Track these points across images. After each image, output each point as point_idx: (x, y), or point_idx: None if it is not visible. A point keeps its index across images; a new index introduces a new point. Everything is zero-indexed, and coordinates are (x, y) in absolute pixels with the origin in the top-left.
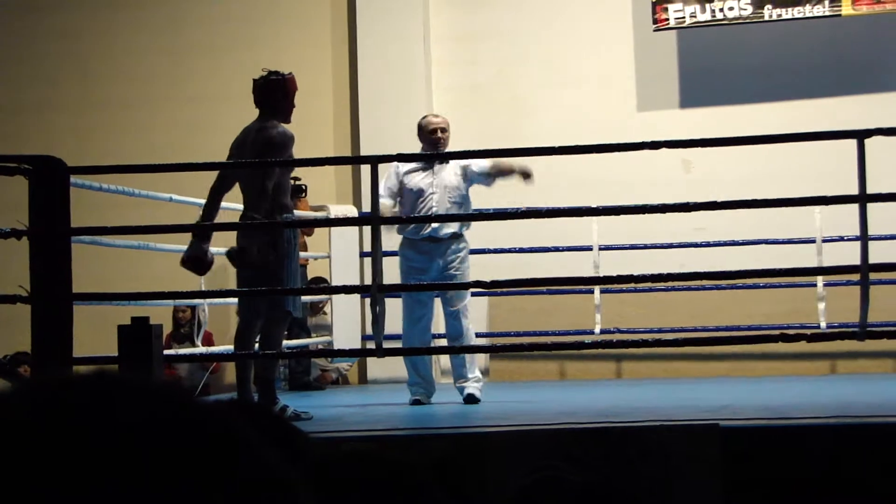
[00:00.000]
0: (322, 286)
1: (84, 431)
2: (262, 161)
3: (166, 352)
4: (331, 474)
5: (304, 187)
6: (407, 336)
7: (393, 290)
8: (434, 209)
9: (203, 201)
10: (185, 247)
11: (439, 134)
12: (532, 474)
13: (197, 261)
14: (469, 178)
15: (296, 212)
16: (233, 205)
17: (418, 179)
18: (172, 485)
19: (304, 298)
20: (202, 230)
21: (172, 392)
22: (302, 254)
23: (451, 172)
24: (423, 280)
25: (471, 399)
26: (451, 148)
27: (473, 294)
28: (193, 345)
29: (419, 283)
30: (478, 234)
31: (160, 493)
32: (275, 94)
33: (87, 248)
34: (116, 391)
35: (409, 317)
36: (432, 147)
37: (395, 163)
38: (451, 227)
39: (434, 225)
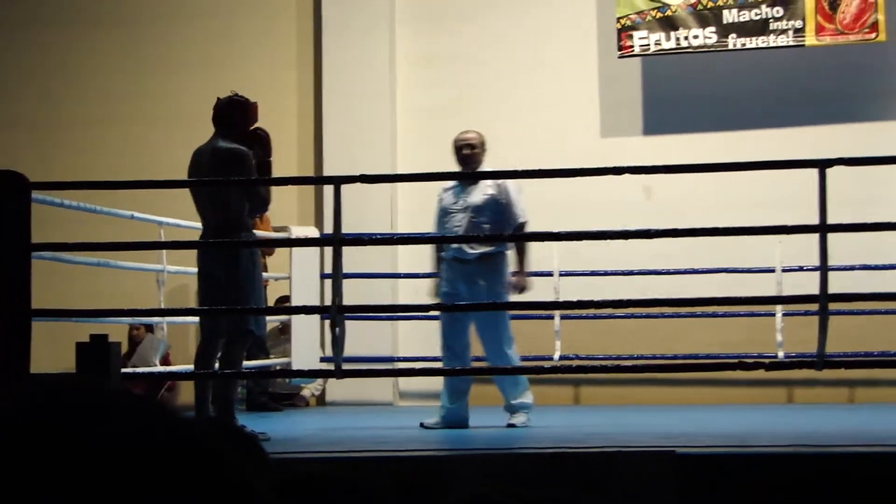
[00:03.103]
0: (283, 306)
1: (74, 440)
2: (226, 180)
3: (124, 370)
4: (288, 495)
5: None
6: (444, 358)
7: (353, 312)
8: (457, 229)
9: (164, 219)
10: (144, 265)
11: (464, 151)
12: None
13: None
14: (503, 204)
15: (257, 231)
16: (189, 223)
17: (448, 198)
18: (156, 495)
19: (273, 319)
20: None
21: (149, 403)
22: (263, 275)
23: (480, 192)
24: (455, 302)
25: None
26: (409, 168)
27: (433, 317)
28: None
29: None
30: None
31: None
32: (235, 115)
33: (48, 264)
34: (101, 401)
35: (444, 342)
36: (461, 164)
37: (440, 187)
38: (481, 248)
39: (457, 244)
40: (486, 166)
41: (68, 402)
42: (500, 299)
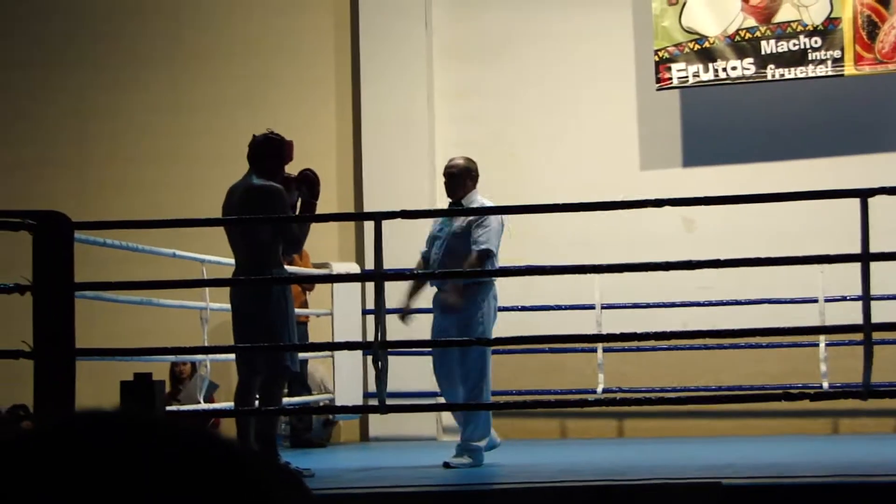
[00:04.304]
0: (327, 342)
1: (124, 471)
2: (266, 217)
3: (168, 408)
4: None
5: None
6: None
7: (396, 348)
8: (435, 257)
9: (206, 257)
10: (187, 302)
11: (444, 178)
12: None
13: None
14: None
15: (296, 268)
16: (231, 260)
17: (436, 226)
18: None
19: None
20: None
21: (202, 433)
22: (304, 311)
23: (459, 221)
24: (440, 336)
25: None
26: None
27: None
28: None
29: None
30: None
31: None
32: (268, 152)
33: (91, 303)
34: (151, 431)
35: (436, 376)
36: (445, 191)
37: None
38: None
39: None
40: (489, 193)
41: (114, 426)
42: (475, 329)
